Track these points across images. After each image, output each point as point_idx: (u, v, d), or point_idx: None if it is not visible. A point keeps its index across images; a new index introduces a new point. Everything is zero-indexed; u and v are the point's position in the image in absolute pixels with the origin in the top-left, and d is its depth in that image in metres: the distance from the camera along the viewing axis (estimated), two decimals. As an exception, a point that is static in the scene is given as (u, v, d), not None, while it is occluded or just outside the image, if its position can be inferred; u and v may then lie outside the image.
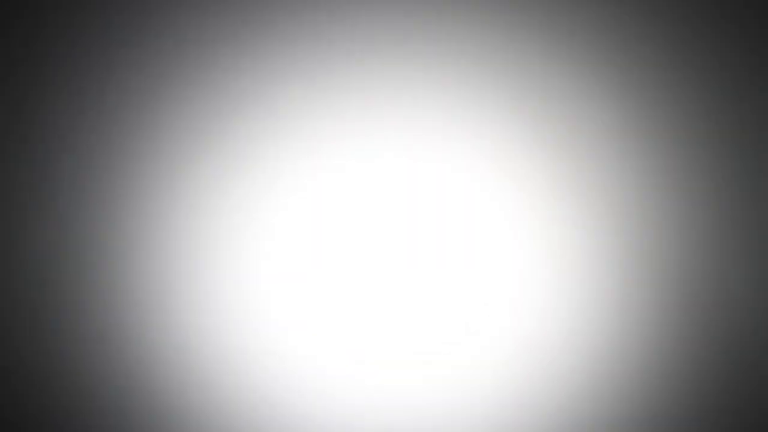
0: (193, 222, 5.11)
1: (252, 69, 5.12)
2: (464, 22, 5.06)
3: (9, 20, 5.05)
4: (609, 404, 4.96)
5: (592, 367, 4.96)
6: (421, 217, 5.09)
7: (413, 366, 5.07)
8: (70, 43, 5.14)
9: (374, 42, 5.09)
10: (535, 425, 4.99)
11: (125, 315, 5.12)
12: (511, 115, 5.03)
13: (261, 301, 5.11)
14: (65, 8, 5.09)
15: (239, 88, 5.13)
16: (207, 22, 5.12)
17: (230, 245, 5.10)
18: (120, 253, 5.12)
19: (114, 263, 5.12)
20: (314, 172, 5.11)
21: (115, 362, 5.13)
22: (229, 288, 5.10)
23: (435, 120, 5.07)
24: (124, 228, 5.14)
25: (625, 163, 4.98)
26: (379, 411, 5.05)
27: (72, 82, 5.16)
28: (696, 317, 4.92)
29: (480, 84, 5.05)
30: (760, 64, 4.91)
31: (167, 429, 5.10)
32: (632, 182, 4.98)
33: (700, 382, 4.93)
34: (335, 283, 5.09)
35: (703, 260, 4.93)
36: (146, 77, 5.14)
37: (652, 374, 4.95)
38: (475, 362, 5.02)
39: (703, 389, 4.93)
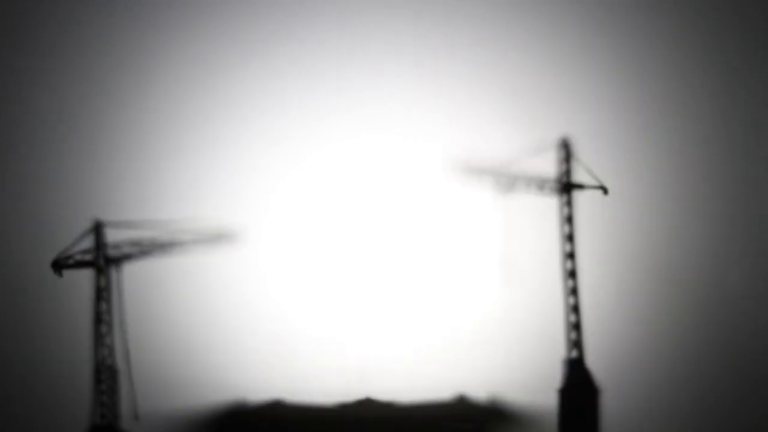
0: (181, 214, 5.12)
1: (242, 62, 5.13)
2: (459, 19, 5.08)
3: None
4: (607, 402, 5.02)
5: (593, 364, 5.02)
6: (410, 213, 5.13)
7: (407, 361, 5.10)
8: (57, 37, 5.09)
9: (367, 36, 5.11)
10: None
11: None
12: (506, 111, 5.07)
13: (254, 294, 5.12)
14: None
15: (231, 81, 5.14)
16: (198, 15, 5.11)
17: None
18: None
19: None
20: (303, 168, 5.14)
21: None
22: (223, 284, 5.11)
23: (424, 115, 5.11)
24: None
25: (622, 162, 5.03)
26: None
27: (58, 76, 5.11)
28: (696, 317, 4.99)
29: (473, 79, 5.09)
30: (759, 66, 4.95)
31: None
32: (629, 182, 5.03)
33: (698, 382, 5.00)
34: (328, 279, 5.13)
35: (702, 260, 4.99)
36: (133, 70, 5.13)
37: (650, 372, 5.01)
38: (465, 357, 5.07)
39: (703, 389, 4.99)
